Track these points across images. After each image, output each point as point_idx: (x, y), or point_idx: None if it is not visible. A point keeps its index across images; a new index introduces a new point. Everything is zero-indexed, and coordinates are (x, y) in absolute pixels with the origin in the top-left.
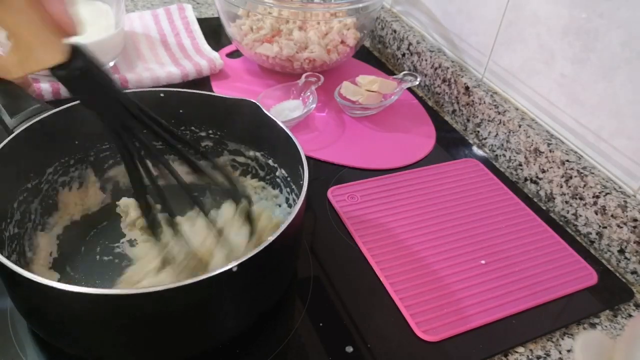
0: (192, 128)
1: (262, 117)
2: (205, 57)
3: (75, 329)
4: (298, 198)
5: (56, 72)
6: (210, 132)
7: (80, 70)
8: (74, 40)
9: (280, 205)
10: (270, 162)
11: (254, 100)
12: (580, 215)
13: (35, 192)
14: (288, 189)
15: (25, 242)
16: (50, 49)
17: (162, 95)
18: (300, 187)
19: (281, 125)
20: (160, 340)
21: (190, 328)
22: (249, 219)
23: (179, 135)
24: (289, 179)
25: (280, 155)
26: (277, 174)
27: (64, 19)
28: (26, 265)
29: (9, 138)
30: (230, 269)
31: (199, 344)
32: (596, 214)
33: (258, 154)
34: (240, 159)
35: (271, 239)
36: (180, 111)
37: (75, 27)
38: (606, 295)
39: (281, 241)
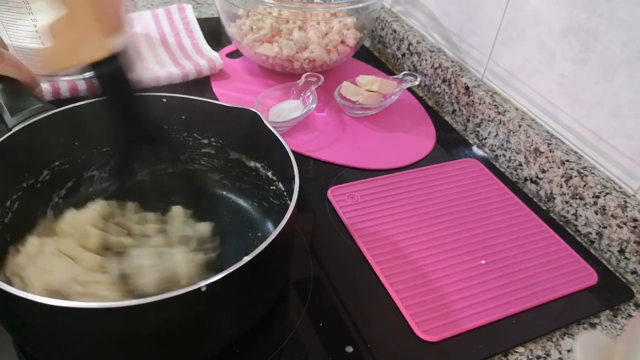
0: (195, 135)
1: (261, 128)
2: (205, 57)
3: (44, 339)
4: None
5: (95, 68)
6: (213, 140)
7: (110, 72)
8: (117, 40)
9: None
10: (269, 174)
11: (254, 110)
12: (580, 215)
13: (30, 193)
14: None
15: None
16: (96, 44)
17: (164, 100)
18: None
19: (278, 137)
20: (132, 354)
21: (168, 344)
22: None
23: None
24: (285, 193)
25: (278, 167)
26: (274, 187)
27: (118, 16)
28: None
29: (5, 135)
30: (199, 289)
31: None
32: (596, 214)
33: (258, 164)
34: (243, 170)
35: (247, 259)
36: (183, 117)
37: (123, 25)
38: (606, 295)
39: (259, 261)
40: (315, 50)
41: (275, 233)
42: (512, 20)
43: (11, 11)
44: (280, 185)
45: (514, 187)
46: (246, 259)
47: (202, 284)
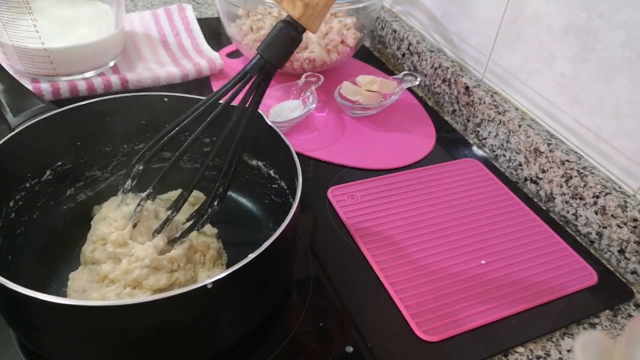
0: (193, 133)
1: (264, 126)
2: (205, 57)
3: (51, 338)
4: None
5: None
6: (214, 138)
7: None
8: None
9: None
10: (271, 172)
11: (247, 104)
12: (580, 215)
13: (33, 193)
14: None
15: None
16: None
17: (165, 100)
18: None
19: (281, 135)
20: (138, 353)
21: (173, 343)
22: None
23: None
24: (288, 191)
25: (280, 165)
26: (276, 186)
27: None
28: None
29: (7, 136)
30: (205, 286)
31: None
32: (596, 214)
33: (260, 163)
34: (244, 168)
35: (252, 256)
36: None
37: None
38: (606, 295)
39: (263, 260)
40: (315, 50)
41: (280, 229)
42: (512, 20)
43: (11, 11)
44: (282, 183)
45: (514, 187)
46: (251, 255)
47: (208, 281)
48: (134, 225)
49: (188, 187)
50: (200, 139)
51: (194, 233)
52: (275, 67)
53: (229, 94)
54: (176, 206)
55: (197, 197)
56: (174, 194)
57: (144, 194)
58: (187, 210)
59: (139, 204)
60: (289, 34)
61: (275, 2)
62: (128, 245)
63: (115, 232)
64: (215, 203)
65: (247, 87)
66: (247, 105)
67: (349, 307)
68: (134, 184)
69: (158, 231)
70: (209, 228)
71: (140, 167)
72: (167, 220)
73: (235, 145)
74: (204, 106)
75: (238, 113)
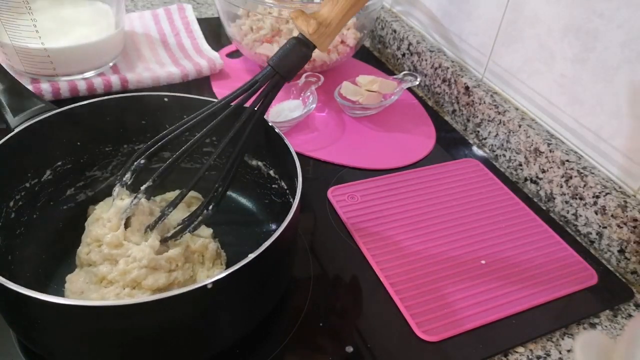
0: (197, 134)
1: (264, 126)
2: (205, 57)
3: (49, 337)
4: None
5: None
6: (214, 138)
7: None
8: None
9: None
10: (271, 172)
11: (256, 109)
12: (580, 215)
13: (33, 193)
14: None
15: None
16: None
17: (166, 100)
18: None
19: (281, 135)
20: (138, 353)
21: (173, 343)
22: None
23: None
24: (288, 191)
25: (280, 165)
26: (276, 186)
27: None
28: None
29: (8, 136)
30: (205, 286)
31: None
32: (596, 214)
33: (260, 163)
34: (244, 168)
35: (252, 256)
36: (184, 116)
37: None
38: (606, 295)
39: (263, 259)
40: None
41: (280, 229)
42: (512, 20)
43: (11, 11)
44: (282, 183)
45: (514, 187)
46: (251, 255)
47: (209, 281)
48: (128, 225)
49: (187, 187)
50: (205, 139)
51: (189, 235)
52: (284, 79)
53: (237, 100)
54: (173, 203)
55: (194, 197)
56: (170, 195)
57: (142, 187)
58: (182, 211)
59: (136, 196)
60: (300, 50)
61: (290, 19)
62: (123, 246)
63: (110, 234)
64: (211, 207)
65: (255, 95)
66: (255, 109)
67: (349, 307)
68: (132, 178)
69: (151, 227)
70: (203, 229)
71: (142, 161)
72: (162, 216)
73: (239, 147)
74: (213, 108)
75: (245, 116)
